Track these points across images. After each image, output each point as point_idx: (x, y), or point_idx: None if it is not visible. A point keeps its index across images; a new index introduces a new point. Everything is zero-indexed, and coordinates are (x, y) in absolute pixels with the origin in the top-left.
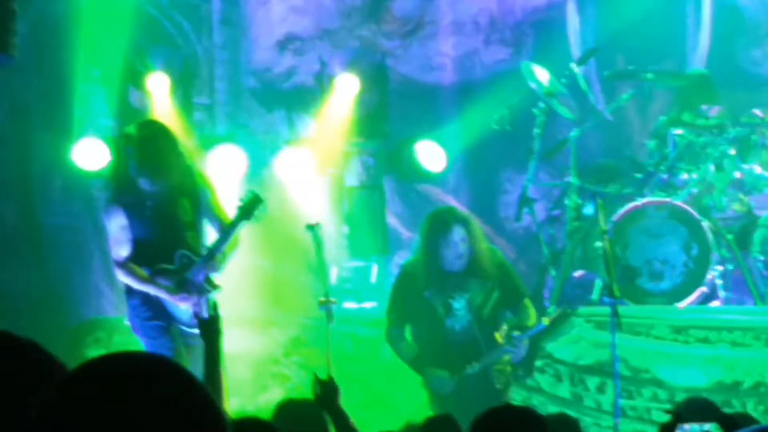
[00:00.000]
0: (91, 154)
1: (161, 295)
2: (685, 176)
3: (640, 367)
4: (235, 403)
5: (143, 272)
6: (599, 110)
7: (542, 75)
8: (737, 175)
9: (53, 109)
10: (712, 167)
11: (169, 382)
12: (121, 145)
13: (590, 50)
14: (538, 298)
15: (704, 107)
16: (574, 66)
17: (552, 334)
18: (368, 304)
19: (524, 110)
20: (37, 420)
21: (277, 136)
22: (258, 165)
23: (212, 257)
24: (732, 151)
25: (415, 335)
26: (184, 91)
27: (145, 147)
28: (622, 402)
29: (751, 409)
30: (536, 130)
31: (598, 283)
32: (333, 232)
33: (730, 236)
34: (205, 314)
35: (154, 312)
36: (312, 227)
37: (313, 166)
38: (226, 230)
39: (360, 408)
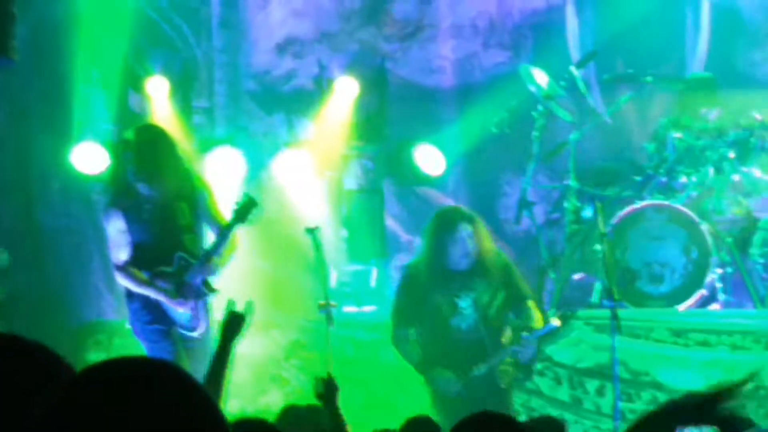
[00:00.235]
0: (90, 157)
1: (160, 298)
2: (684, 179)
3: (640, 370)
4: (234, 405)
5: (143, 275)
6: (598, 113)
7: (541, 78)
8: (736, 178)
9: (53, 112)
10: (711, 170)
11: (170, 386)
12: (120, 150)
13: (589, 53)
14: (538, 301)
15: (703, 110)
16: (573, 69)
17: (552, 337)
18: (368, 308)
19: (523, 113)
20: (40, 421)
21: (276, 139)
22: (257, 168)
23: (209, 260)
24: (731, 155)
25: (420, 335)
26: (184, 94)
27: (144, 152)
28: (621, 405)
29: (751, 412)
30: (535, 133)
31: (598, 286)
32: (332, 235)
33: (729, 239)
34: (201, 318)
35: (154, 316)
36: (311, 230)
37: (312, 169)
38: (222, 233)
39: (360, 411)
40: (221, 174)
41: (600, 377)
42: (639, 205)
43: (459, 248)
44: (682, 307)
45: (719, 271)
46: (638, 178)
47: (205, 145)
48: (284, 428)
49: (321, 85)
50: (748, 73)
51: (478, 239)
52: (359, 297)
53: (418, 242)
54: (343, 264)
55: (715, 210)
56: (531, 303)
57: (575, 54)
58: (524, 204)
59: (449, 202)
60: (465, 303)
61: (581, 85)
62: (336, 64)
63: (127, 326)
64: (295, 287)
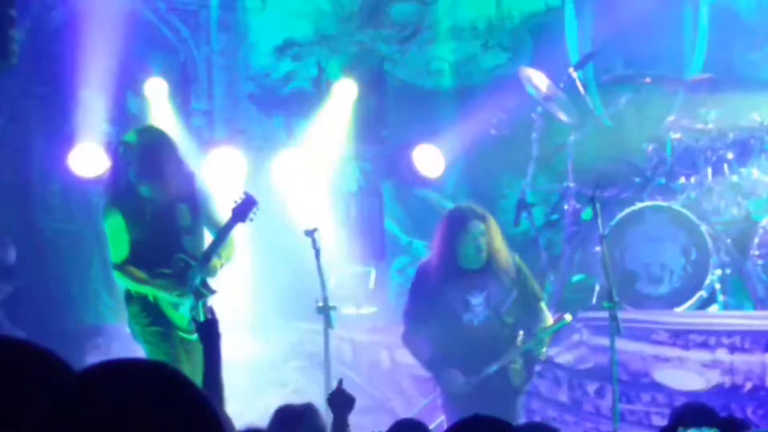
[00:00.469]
0: (89, 160)
1: (160, 294)
2: (683, 181)
3: (639, 372)
4: (233, 408)
5: (142, 274)
6: (597, 115)
7: (540, 80)
8: (735, 179)
9: (51, 115)
10: (710, 172)
11: (170, 389)
12: (121, 153)
13: (588, 55)
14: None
15: (703, 111)
16: (572, 71)
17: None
18: (367, 310)
19: (522, 115)
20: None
21: (275, 141)
22: (256, 170)
23: (208, 260)
24: (730, 156)
25: (433, 333)
26: (183, 96)
27: (145, 154)
28: (620, 406)
29: (750, 413)
30: (534, 135)
31: (597, 288)
32: (331, 237)
33: (728, 240)
34: (201, 318)
35: (153, 318)
36: (310, 232)
37: (311, 170)
38: (221, 232)
39: (358, 413)
40: (220, 176)
41: (599, 379)
42: (638, 206)
43: (471, 245)
44: (681, 309)
45: (718, 272)
46: (637, 180)
47: (204, 148)
48: (278, 429)
49: (320, 87)
50: (746, 74)
51: (489, 237)
52: (358, 299)
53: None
54: (342, 266)
55: (714, 211)
56: (543, 304)
57: (574, 56)
58: (523, 205)
59: (448, 204)
60: (477, 300)
61: (580, 87)
62: (335, 66)
63: (127, 330)
64: (293, 289)
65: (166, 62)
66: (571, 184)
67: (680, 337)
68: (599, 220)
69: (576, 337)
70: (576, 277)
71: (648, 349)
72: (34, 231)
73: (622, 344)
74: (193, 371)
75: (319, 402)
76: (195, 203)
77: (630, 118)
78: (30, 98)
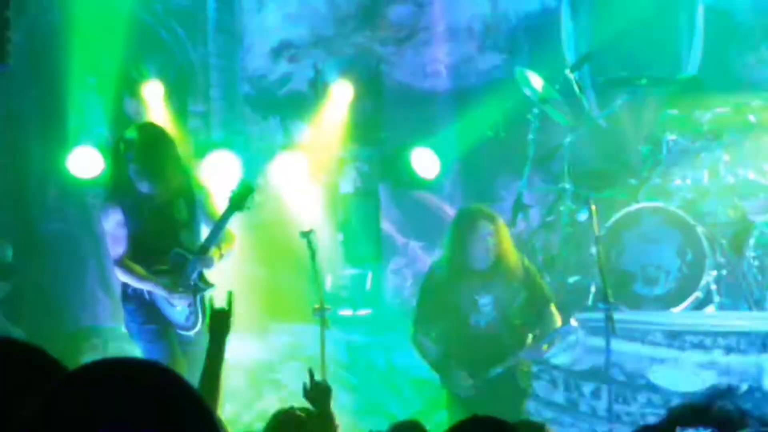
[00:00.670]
0: (86, 162)
1: (159, 291)
2: (679, 182)
3: (635, 373)
4: (230, 410)
5: (141, 269)
6: (593, 116)
7: (536, 81)
8: (731, 180)
9: (48, 117)
10: (706, 173)
11: (159, 388)
12: (122, 150)
13: (584, 56)
14: None
15: (698, 113)
16: (568, 72)
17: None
18: (363, 311)
19: (519, 116)
20: (28, 422)
21: (272, 143)
22: (253, 172)
23: (207, 251)
24: (726, 157)
25: (441, 332)
26: (179, 98)
27: (147, 151)
28: (617, 407)
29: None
30: (531, 136)
31: (593, 289)
32: (328, 239)
33: (724, 241)
34: (198, 315)
35: (149, 316)
36: (307, 234)
37: (307, 172)
38: (219, 222)
39: (355, 415)
40: (217, 178)
41: (595, 380)
42: (634, 207)
43: (480, 246)
44: (677, 310)
45: (714, 273)
46: (633, 181)
47: (201, 150)
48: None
49: (316, 88)
50: (742, 76)
51: (498, 238)
52: (355, 300)
53: (426, 244)
54: (339, 267)
55: (709, 212)
56: (553, 307)
57: (570, 57)
58: (519, 207)
59: (445, 206)
60: (485, 301)
61: (576, 88)
62: (331, 67)
63: (123, 330)
64: (290, 291)
65: (163, 64)
66: (567, 186)
67: (676, 338)
68: (595, 221)
69: (572, 338)
70: (572, 278)
71: (644, 350)
72: (30, 232)
73: (618, 345)
74: (190, 369)
75: None
76: (193, 199)
77: (626, 119)
78: (27, 100)
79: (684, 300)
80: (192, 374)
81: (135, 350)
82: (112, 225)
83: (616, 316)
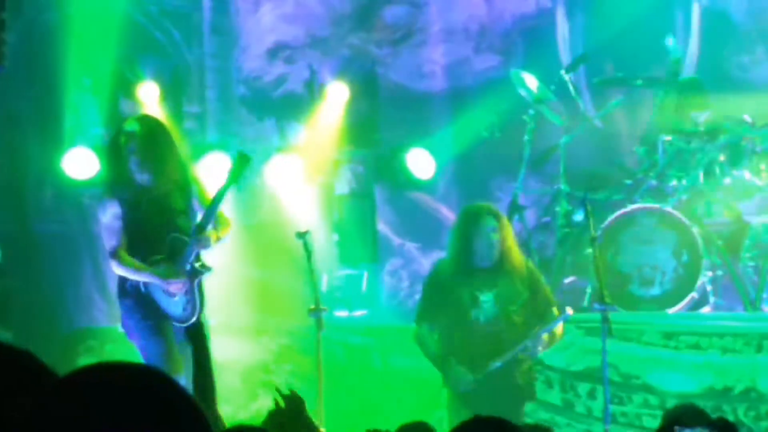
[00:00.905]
0: (81, 163)
1: (155, 281)
2: (674, 183)
3: (631, 373)
4: (226, 411)
5: (135, 261)
6: (589, 117)
7: (532, 82)
8: (727, 181)
9: (44, 118)
10: (701, 174)
11: (157, 394)
12: (122, 142)
13: (579, 57)
14: None
15: (694, 114)
16: (563, 73)
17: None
18: (359, 312)
19: (514, 117)
20: (19, 427)
21: (267, 144)
22: (248, 173)
23: (203, 230)
24: (722, 158)
25: (442, 328)
26: (175, 99)
27: (149, 142)
28: (612, 408)
29: (742, 415)
30: (526, 137)
31: (589, 290)
32: (323, 239)
33: (719, 242)
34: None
35: (147, 311)
36: (302, 235)
37: (303, 173)
38: (216, 196)
39: (350, 416)
40: (212, 179)
41: (591, 380)
42: (630, 208)
43: (483, 241)
44: (673, 310)
45: (710, 274)
46: (629, 182)
47: (197, 151)
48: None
49: (312, 90)
50: (738, 77)
51: (503, 235)
52: (350, 301)
53: (422, 244)
54: (334, 268)
55: (705, 213)
56: (555, 309)
57: (565, 58)
58: (515, 208)
59: (440, 207)
60: (486, 297)
61: (571, 89)
62: (327, 69)
63: (120, 330)
64: (285, 292)
65: (158, 65)
66: (563, 186)
67: (672, 338)
68: (591, 222)
69: (568, 338)
70: (567, 279)
71: (640, 350)
72: (26, 233)
73: (614, 346)
74: (188, 364)
75: (312, 406)
76: (189, 189)
77: (621, 120)
78: (22, 101)
79: (680, 301)
80: (189, 368)
81: (131, 351)
82: (109, 217)
83: (612, 316)
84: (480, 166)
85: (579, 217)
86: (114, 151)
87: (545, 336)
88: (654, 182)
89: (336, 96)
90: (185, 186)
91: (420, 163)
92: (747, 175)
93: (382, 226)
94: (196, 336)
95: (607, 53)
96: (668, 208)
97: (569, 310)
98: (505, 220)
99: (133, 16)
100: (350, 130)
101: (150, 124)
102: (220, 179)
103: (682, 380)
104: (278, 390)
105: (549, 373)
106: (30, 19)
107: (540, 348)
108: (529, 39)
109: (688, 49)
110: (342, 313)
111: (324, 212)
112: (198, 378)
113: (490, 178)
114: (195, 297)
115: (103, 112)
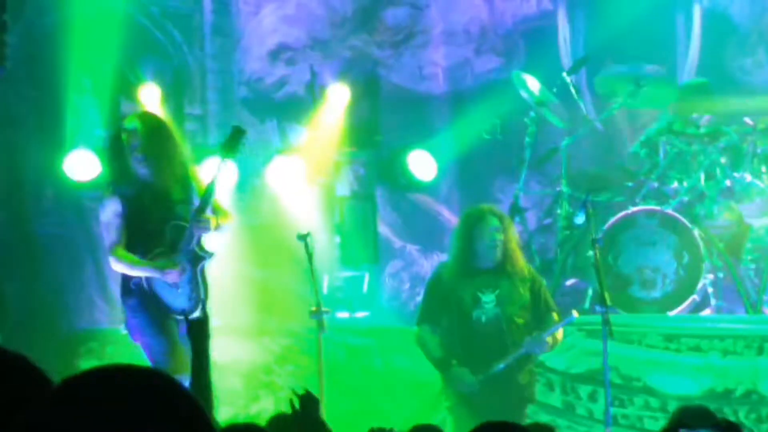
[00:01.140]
0: (82, 165)
1: (155, 274)
2: (675, 185)
3: (632, 376)
4: (226, 412)
5: (134, 257)
6: (590, 119)
7: (533, 84)
8: (728, 183)
9: (45, 120)
10: (702, 176)
11: (158, 395)
12: (124, 139)
13: (581, 59)
14: None
15: (695, 116)
16: (565, 75)
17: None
18: (360, 314)
19: (515, 119)
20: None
21: (268, 146)
22: (250, 174)
23: (202, 212)
24: (723, 160)
25: (444, 329)
26: (176, 101)
27: (151, 138)
28: (613, 410)
29: (743, 417)
30: (527, 139)
31: (590, 292)
32: (324, 241)
33: (720, 244)
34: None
35: (151, 309)
36: (303, 236)
37: (304, 175)
38: (215, 173)
39: (352, 417)
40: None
41: (592, 383)
42: (631, 210)
43: (486, 241)
44: (673, 313)
45: (711, 276)
46: (630, 184)
47: (198, 153)
48: None
49: (313, 91)
50: (739, 79)
51: (506, 236)
52: (352, 303)
53: (423, 246)
54: (336, 270)
55: (706, 215)
56: (556, 315)
57: (567, 60)
58: (516, 210)
59: (442, 208)
60: (488, 298)
61: (573, 91)
62: (328, 70)
63: (122, 331)
64: (287, 293)
65: (159, 67)
66: (564, 188)
67: (673, 341)
68: (592, 225)
69: (569, 341)
70: (569, 281)
71: (641, 353)
72: (27, 235)
73: (615, 348)
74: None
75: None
76: (189, 183)
77: (623, 122)
78: (23, 102)
79: (681, 303)
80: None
81: (133, 353)
82: (109, 215)
83: (613, 318)
84: (481, 167)
85: (580, 219)
86: (115, 149)
87: (549, 339)
88: (655, 184)
89: (337, 98)
90: (186, 180)
91: (421, 164)
92: (748, 177)
93: (383, 228)
94: (198, 332)
95: (608, 55)
96: (669, 211)
97: (575, 314)
98: (508, 221)
99: (134, 18)
100: (351, 131)
101: (151, 120)
102: (216, 153)
103: (683, 383)
104: (294, 391)
105: (550, 375)
106: (31, 20)
107: (543, 350)
108: (530, 41)
109: (690, 52)
110: (343, 314)
111: (325, 214)
112: (194, 377)
113: (491, 180)
114: (199, 285)
115: (104, 114)
